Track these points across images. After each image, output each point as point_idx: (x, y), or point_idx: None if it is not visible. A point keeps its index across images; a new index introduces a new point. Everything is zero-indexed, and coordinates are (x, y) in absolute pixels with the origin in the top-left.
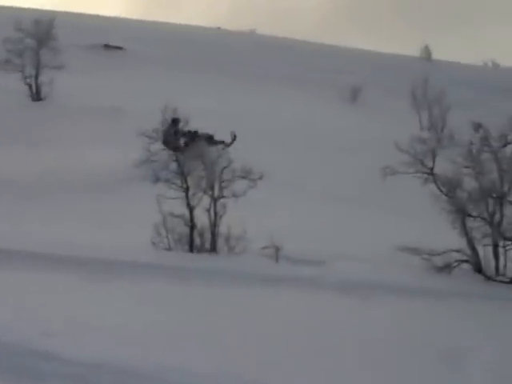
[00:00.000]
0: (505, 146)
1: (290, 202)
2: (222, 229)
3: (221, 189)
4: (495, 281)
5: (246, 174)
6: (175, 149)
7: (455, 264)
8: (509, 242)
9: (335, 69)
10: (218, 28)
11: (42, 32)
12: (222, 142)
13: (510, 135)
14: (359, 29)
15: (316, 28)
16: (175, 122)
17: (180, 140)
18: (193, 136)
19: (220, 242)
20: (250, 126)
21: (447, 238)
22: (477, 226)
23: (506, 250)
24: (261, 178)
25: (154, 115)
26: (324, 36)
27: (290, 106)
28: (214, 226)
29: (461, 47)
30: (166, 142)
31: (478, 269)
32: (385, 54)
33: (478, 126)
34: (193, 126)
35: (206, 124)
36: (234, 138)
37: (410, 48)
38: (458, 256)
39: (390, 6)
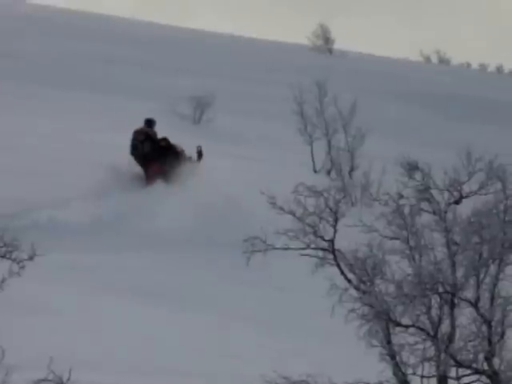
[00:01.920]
0: (457, 202)
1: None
2: None
3: None
4: None
5: (7, 250)
6: (145, 163)
7: None
8: (467, 371)
9: (165, 66)
10: None
11: None
12: (189, 158)
13: (465, 182)
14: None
15: None
16: (150, 123)
17: (151, 150)
18: (166, 147)
19: None
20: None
21: (359, 363)
22: (411, 344)
23: None
24: (32, 258)
25: None
26: (145, 10)
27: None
28: None
29: (388, 33)
30: (134, 151)
31: None
32: (255, 42)
33: (413, 168)
34: None
35: None
36: (200, 153)
37: (298, 34)
38: None
39: None
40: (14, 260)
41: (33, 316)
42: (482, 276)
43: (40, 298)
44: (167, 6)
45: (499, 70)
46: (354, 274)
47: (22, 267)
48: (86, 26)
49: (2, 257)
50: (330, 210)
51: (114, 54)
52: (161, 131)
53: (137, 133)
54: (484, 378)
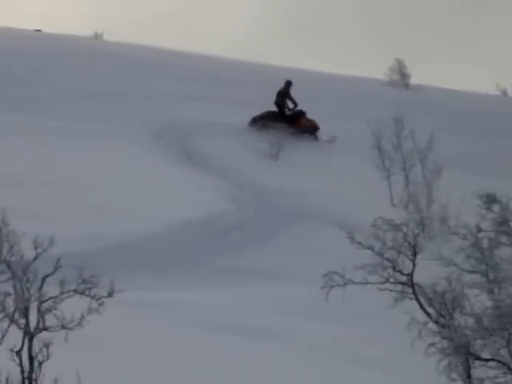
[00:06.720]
0: None
1: None
2: None
3: (41, 314)
4: None
5: (87, 287)
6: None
7: None
8: None
9: (242, 101)
10: (38, 30)
11: None
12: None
13: None
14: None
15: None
16: (288, 84)
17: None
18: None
19: None
20: None
21: None
22: (491, 377)
23: None
24: (111, 294)
25: None
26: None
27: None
28: (29, 380)
29: (464, 68)
30: (278, 106)
31: None
32: (330, 76)
33: (491, 200)
34: None
35: None
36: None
37: (374, 68)
38: None
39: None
40: (92, 297)
41: (111, 352)
42: None
43: (117, 334)
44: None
45: None
46: (434, 307)
47: (101, 304)
48: (171, 64)
49: (81, 294)
50: (409, 244)
51: (192, 91)
52: (239, 166)
53: (277, 95)
54: None
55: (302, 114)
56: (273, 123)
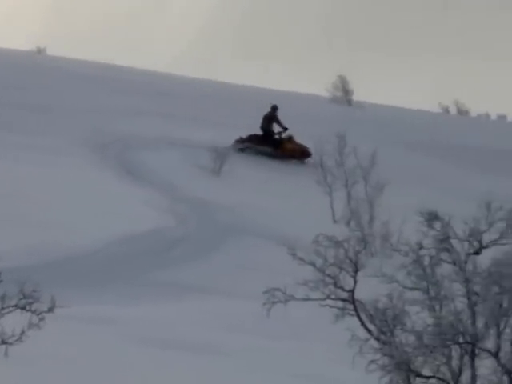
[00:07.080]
0: (477, 252)
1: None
2: None
3: None
4: None
5: (28, 302)
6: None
7: None
8: None
9: (186, 117)
10: None
11: None
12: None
13: (485, 232)
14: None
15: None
16: (274, 109)
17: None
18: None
19: None
20: None
21: None
22: None
23: None
24: (51, 309)
25: None
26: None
27: None
28: None
29: (406, 84)
30: (264, 130)
31: None
32: (274, 93)
33: (432, 217)
34: None
35: None
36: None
37: (316, 85)
38: None
39: None
40: (33, 312)
41: (51, 367)
42: (502, 326)
43: (59, 349)
44: (190, 60)
45: None
46: (375, 324)
47: (42, 319)
48: (109, 79)
49: (22, 309)
50: (350, 260)
51: (136, 106)
52: (181, 181)
53: (263, 120)
54: None
55: (289, 138)
56: (257, 146)
